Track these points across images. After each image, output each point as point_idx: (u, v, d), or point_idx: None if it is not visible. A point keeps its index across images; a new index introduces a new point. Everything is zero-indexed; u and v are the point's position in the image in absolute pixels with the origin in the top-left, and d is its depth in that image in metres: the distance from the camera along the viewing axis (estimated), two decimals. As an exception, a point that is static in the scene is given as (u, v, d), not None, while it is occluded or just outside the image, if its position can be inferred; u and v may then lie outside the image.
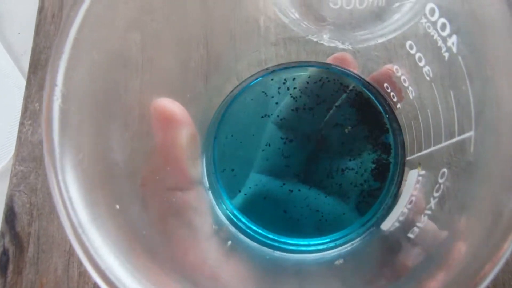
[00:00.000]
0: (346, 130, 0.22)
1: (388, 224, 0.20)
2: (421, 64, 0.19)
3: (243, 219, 0.22)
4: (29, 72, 0.34)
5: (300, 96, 0.23)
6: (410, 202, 0.20)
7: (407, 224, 0.19)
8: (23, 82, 0.35)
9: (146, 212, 0.15)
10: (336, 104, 0.23)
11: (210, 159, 0.22)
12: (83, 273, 0.28)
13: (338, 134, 0.23)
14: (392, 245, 0.20)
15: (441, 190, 0.19)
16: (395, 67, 0.21)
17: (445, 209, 0.18)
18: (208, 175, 0.22)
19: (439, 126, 0.21)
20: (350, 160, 0.22)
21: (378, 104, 0.23)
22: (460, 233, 0.16)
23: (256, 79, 0.24)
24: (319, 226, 0.21)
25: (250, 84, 0.24)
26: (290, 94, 0.23)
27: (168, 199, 0.16)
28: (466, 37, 0.17)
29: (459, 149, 0.20)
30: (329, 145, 0.22)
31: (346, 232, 0.21)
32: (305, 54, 0.30)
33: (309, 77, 0.24)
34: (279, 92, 0.24)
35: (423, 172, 0.21)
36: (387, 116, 0.23)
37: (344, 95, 0.23)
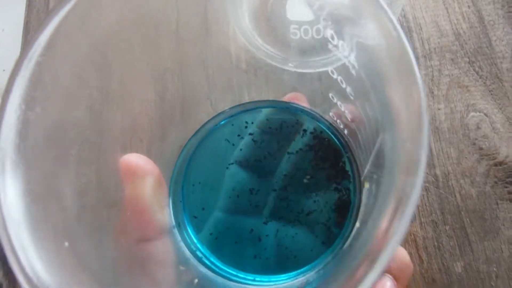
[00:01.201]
0: (303, 171, 0.23)
1: (348, 242, 0.21)
2: (343, 86, 0.20)
3: (211, 259, 0.22)
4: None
5: (262, 140, 0.24)
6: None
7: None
8: None
9: (114, 261, 0.16)
10: (296, 144, 0.24)
11: (177, 202, 0.23)
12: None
13: (300, 173, 0.23)
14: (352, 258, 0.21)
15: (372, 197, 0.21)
16: (330, 94, 0.23)
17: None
18: (175, 216, 0.23)
19: (369, 140, 0.23)
20: (313, 197, 0.23)
21: (333, 138, 0.24)
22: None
23: (216, 125, 0.25)
24: (288, 263, 0.22)
25: (212, 130, 0.25)
26: (252, 139, 0.24)
27: (135, 251, 0.17)
28: (361, 54, 0.18)
29: (379, 155, 0.22)
30: (292, 185, 0.23)
31: (315, 263, 0.22)
32: (274, 79, 0.32)
33: (267, 119, 0.25)
34: (241, 137, 0.24)
35: (367, 186, 0.23)
36: (343, 148, 0.24)
37: (302, 135, 0.24)
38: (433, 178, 0.29)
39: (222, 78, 0.31)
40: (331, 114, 0.24)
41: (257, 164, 0.24)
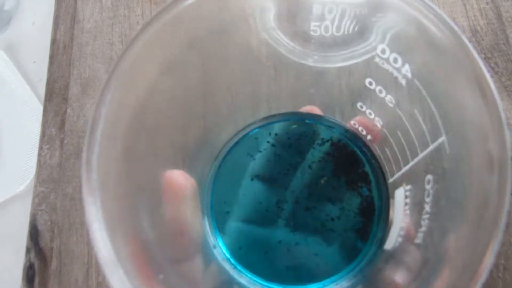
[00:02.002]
0: (324, 180, 0.24)
1: (391, 242, 0.22)
2: (382, 95, 0.21)
3: (246, 273, 0.23)
4: (45, 100, 0.38)
5: (283, 153, 0.25)
6: (405, 216, 0.22)
7: (407, 237, 0.21)
8: (40, 108, 0.38)
9: None
10: (316, 154, 0.25)
11: (211, 222, 0.24)
12: (101, 283, 0.31)
13: (322, 182, 0.24)
14: (397, 259, 0.21)
15: (431, 195, 0.21)
16: (359, 103, 0.24)
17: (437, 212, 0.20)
18: (212, 235, 0.24)
19: (412, 142, 0.24)
20: (337, 204, 0.24)
21: (356, 148, 0.25)
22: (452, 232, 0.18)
23: (238, 141, 0.26)
24: (320, 271, 0.23)
25: (235, 145, 0.26)
26: (274, 152, 0.25)
27: (169, 271, 0.18)
28: (417, 64, 0.19)
29: (435, 156, 0.22)
30: (315, 194, 0.24)
31: (347, 269, 0.22)
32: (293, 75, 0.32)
33: (287, 132, 0.26)
34: (262, 151, 0.25)
35: (409, 186, 0.23)
36: (364, 157, 0.25)
37: (321, 144, 0.25)
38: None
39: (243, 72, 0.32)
40: (353, 122, 0.25)
41: (280, 177, 0.24)
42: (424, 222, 0.20)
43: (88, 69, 0.37)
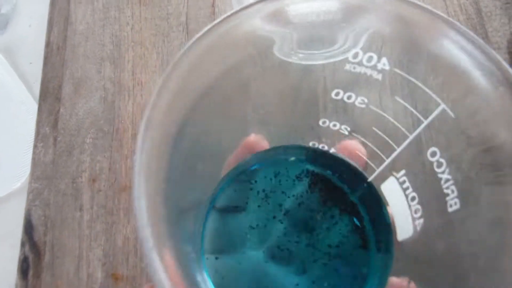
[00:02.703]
0: (320, 211, 0.23)
1: (404, 232, 0.22)
2: (351, 100, 0.22)
3: None
4: (40, 99, 0.39)
5: (270, 196, 0.24)
6: (413, 199, 0.23)
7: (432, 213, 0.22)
8: (35, 108, 0.40)
9: None
10: (300, 190, 0.24)
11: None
12: (91, 275, 0.32)
13: (313, 214, 0.23)
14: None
15: (444, 164, 0.22)
16: (321, 120, 0.24)
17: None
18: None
19: (394, 130, 0.24)
20: (335, 230, 0.23)
21: (330, 174, 0.24)
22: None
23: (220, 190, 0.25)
24: None
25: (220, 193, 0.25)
26: (262, 198, 0.24)
27: None
28: (396, 53, 0.20)
29: (437, 126, 0.23)
30: (310, 227, 0.23)
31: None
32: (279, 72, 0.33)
33: (265, 177, 0.25)
34: (246, 200, 0.24)
35: (402, 171, 0.23)
36: (347, 185, 0.24)
37: (303, 183, 0.24)
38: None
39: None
40: (332, 151, 0.25)
41: (272, 222, 0.23)
42: (449, 189, 0.20)
43: (80, 69, 0.39)
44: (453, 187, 0.22)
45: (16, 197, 0.38)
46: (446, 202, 0.21)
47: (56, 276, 0.33)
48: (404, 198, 0.23)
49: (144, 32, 0.38)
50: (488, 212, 0.29)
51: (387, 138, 0.25)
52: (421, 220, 0.22)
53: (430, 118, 0.23)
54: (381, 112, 0.25)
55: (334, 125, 0.24)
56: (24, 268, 0.34)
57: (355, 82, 0.23)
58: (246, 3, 0.35)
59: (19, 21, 0.45)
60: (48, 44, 0.41)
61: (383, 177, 0.25)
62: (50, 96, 0.39)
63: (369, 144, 0.25)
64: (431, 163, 0.23)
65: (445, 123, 0.21)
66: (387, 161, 0.24)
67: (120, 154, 0.35)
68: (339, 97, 0.22)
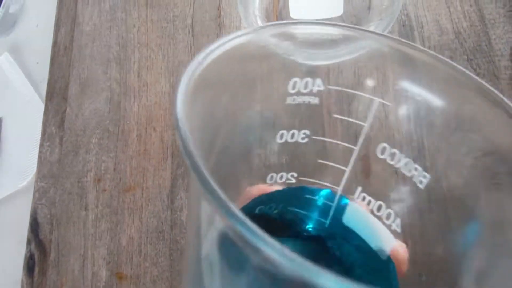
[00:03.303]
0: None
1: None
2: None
3: None
4: (46, 99, 0.39)
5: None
6: (379, 208, 0.23)
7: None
8: (42, 107, 0.40)
9: None
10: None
11: None
12: (96, 274, 0.33)
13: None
14: None
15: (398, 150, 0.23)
16: None
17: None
18: None
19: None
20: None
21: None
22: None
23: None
24: None
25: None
26: None
27: None
28: None
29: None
30: None
31: None
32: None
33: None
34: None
35: (358, 189, 0.23)
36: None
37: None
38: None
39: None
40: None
41: None
42: (411, 172, 0.21)
43: (86, 70, 0.39)
44: (414, 172, 0.21)
45: (22, 196, 0.39)
46: (414, 183, 0.21)
47: (61, 274, 0.34)
48: (369, 213, 0.23)
49: (150, 34, 0.39)
50: (487, 216, 0.29)
51: (334, 164, 0.25)
52: (398, 220, 0.22)
53: (369, 118, 0.23)
54: (323, 138, 0.25)
55: (281, 177, 0.23)
56: (30, 266, 0.35)
57: (296, 115, 0.23)
58: (251, 6, 0.36)
59: (26, 20, 0.46)
60: (55, 44, 0.41)
61: (343, 208, 0.24)
62: (56, 96, 0.39)
63: (318, 181, 0.24)
64: (384, 160, 0.23)
65: (385, 117, 0.22)
66: (340, 189, 0.23)
67: (125, 154, 0.36)
68: (282, 140, 0.22)
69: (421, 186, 0.21)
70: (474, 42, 0.33)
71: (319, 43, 0.34)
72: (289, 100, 0.21)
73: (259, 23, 0.35)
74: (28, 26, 0.45)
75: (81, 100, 0.38)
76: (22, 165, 0.40)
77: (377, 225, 0.24)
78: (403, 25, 0.35)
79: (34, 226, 0.36)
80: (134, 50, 0.39)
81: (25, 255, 0.35)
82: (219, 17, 0.38)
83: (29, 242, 0.35)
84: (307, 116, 0.21)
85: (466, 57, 0.33)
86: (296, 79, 0.20)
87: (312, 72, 0.20)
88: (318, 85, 0.20)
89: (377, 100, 0.21)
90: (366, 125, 0.23)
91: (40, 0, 0.46)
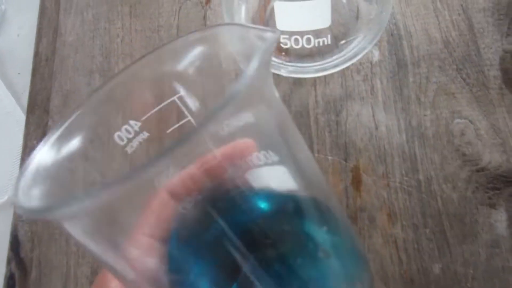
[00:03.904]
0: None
1: None
2: None
3: None
4: (28, 111, 0.38)
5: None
6: None
7: None
8: (23, 119, 0.39)
9: None
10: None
11: None
12: (79, 293, 0.32)
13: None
14: None
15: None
16: None
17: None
18: None
19: None
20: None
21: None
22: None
23: None
24: None
25: None
26: None
27: None
28: None
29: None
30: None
31: None
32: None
33: None
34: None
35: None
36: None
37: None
38: (415, 183, 0.30)
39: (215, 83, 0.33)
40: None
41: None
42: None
43: (69, 81, 0.38)
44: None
45: (3, 212, 0.37)
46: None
47: (43, 294, 0.33)
48: None
49: (134, 44, 0.38)
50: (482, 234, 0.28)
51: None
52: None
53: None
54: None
55: None
56: (10, 285, 0.33)
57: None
58: (237, 16, 0.35)
59: (7, 30, 0.44)
60: (36, 55, 0.40)
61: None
62: (38, 109, 0.38)
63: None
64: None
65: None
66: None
67: (109, 168, 0.35)
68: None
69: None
70: (463, 52, 0.33)
71: (306, 55, 0.34)
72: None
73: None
74: (9, 36, 0.44)
75: (64, 113, 0.37)
76: (2, 180, 0.39)
77: None
78: (392, 35, 0.34)
79: (15, 244, 0.34)
80: (118, 61, 0.38)
81: (5, 274, 0.34)
82: (205, 26, 0.37)
83: (9, 261, 0.34)
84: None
85: (455, 66, 0.33)
86: None
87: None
88: None
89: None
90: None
91: (22, 9, 0.45)
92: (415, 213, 0.30)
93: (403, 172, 0.31)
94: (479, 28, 0.33)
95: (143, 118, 0.22)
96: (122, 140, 0.20)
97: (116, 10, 0.39)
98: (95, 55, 0.38)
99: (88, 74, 0.38)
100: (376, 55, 0.34)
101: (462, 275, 0.28)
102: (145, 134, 0.21)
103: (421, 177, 0.30)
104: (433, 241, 0.29)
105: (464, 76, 0.32)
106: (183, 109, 0.20)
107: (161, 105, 0.20)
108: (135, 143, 0.21)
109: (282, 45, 0.31)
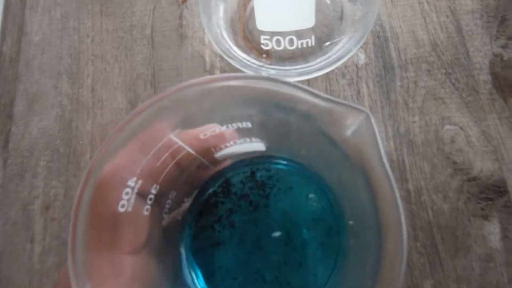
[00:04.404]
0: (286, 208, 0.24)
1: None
2: None
3: None
4: (-11, 116, 0.35)
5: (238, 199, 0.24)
6: None
7: None
8: (-15, 125, 0.36)
9: None
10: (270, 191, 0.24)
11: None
12: (41, 316, 0.29)
13: (280, 213, 0.24)
14: None
15: None
16: None
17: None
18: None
19: None
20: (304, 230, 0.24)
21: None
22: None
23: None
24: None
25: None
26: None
27: None
28: None
29: None
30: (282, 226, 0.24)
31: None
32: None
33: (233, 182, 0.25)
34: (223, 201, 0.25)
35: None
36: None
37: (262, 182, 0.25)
38: (405, 193, 0.29)
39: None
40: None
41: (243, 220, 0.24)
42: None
43: (35, 84, 0.35)
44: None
45: (-40, 226, 0.34)
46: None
47: (2, 316, 0.30)
48: None
49: (105, 44, 0.35)
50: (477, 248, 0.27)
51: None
52: None
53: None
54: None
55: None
56: (-34, 307, 0.30)
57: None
58: (214, 16, 0.33)
59: (-31, 29, 0.41)
60: (0, 55, 0.37)
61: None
62: (0, 114, 0.35)
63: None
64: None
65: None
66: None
67: (77, 178, 0.32)
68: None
69: None
70: (452, 55, 0.32)
71: (289, 58, 0.32)
72: None
73: (224, 34, 0.32)
74: (-30, 36, 0.41)
75: (29, 118, 0.34)
76: (-39, 190, 0.36)
77: None
78: (378, 37, 0.33)
79: (-28, 261, 0.32)
80: (88, 63, 0.35)
81: (-39, 295, 0.31)
82: (181, 27, 0.35)
83: (-35, 280, 0.31)
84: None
85: (444, 70, 0.31)
86: None
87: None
88: None
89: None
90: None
91: (-14, 7, 0.42)
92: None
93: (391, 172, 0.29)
94: (467, 31, 0.32)
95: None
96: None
97: (86, 9, 0.37)
98: (63, 56, 0.36)
99: (56, 76, 0.35)
100: (362, 58, 0.32)
101: (455, 291, 0.26)
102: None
103: (410, 186, 0.29)
104: (424, 256, 0.27)
105: (453, 80, 0.31)
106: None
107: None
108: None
109: (263, 46, 0.29)
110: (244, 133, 0.19)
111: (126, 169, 0.15)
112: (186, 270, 0.23)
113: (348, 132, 0.15)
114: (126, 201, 0.15)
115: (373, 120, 0.15)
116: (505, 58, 0.31)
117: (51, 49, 0.36)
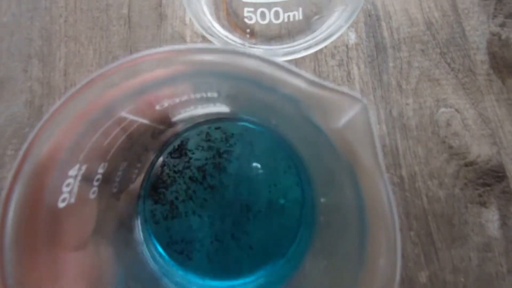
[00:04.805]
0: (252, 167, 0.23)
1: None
2: None
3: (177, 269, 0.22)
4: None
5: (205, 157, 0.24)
6: None
7: None
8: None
9: None
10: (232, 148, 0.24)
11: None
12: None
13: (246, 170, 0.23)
14: None
15: None
16: None
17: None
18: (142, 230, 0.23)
19: None
20: (268, 187, 0.23)
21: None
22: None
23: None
24: (253, 262, 0.22)
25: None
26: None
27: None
28: None
29: None
30: (245, 182, 0.23)
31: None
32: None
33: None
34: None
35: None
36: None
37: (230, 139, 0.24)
38: (398, 180, 0.27)
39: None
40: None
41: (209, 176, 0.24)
42: None
43: (2, 68, 0.33)
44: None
45: None
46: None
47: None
48: None
49: (79, 25, 0.33)
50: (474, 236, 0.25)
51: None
52: None
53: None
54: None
55: None
56: None
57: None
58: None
59: None
60: (-34, 38, 0.35)
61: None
62: (-34, 100, 0.33)
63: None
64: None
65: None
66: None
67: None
68: None
69: None
70: (447, 34, 0.30)
71: (275, 36, 0.30)
72: None
73: (206, 11, 0.30)
74: None
75: (-4, 104, 0.32)
76: None
77: None
78: (369, 15, 0.31)
79: None
80: (60, 44, 0.33)
81: None
82: (160, 6, 0.33)
83: None
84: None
85: (439, 50, 0.29)
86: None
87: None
88: None
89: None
90: None
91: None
92: (398, 214, 0.26)
93: (385, 167, 0.27)
94: (463, 9, 0.30)
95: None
96: None
97: (58, -13, 0.34)
98: (34, 38, 0.33)
99: (26, 59, 0.33)
100: (352, 38, 0.30)
101: (452, 284, 0.25)
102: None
103: (404, 173, 0.27)
104: (418, 246, 0.25)
105: (448, 60, 0.29)
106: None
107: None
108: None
109: (246, 20, 0.27)
110: (209, 101, 0.17)
111: (65, 158, 0.12)
112: (145, 248, 0.22)
113: (340, 123, 0.13)
114: (67, 194, 0.13)
115: (370, 113, 0.13)
116: (503, 37, 0.29)
117: (20, 31, 0.34)
